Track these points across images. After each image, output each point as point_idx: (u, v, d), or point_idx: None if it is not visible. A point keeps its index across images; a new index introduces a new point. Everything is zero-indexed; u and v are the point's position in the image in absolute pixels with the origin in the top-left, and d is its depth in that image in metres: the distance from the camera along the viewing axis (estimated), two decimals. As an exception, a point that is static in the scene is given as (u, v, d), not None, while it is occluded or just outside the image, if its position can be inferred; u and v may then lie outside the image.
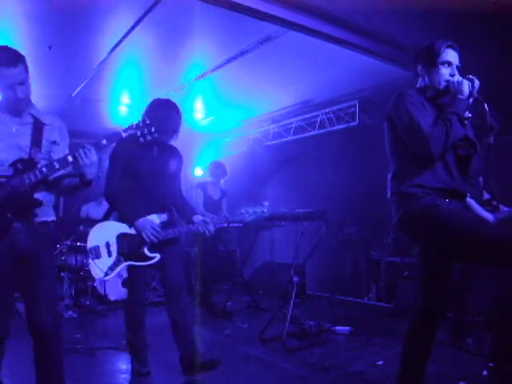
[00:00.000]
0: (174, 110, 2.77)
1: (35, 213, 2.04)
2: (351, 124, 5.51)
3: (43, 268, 2.07)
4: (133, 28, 3.55)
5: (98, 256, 2.68)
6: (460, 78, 2.03)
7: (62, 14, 3.28)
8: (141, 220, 2.65)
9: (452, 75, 2.07)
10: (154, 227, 2.65)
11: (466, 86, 2.00)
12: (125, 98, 5.43)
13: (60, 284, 4.97)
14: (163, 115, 2.66)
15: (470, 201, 3.02)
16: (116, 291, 5.05)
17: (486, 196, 3.29)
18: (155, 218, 2.71)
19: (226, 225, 4.67)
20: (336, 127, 5.76)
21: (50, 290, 2.13)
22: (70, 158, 1.97)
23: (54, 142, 2.15)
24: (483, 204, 3.15)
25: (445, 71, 2.08)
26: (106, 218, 2.92)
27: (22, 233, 1.98)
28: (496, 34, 3.49)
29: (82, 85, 4.80)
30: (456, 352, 3.16)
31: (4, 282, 1.99)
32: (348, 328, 3.88)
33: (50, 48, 3.88)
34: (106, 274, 2.69)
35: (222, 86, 5.11)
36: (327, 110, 5.83)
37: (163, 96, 2.94)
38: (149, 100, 2.83)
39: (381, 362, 3.03)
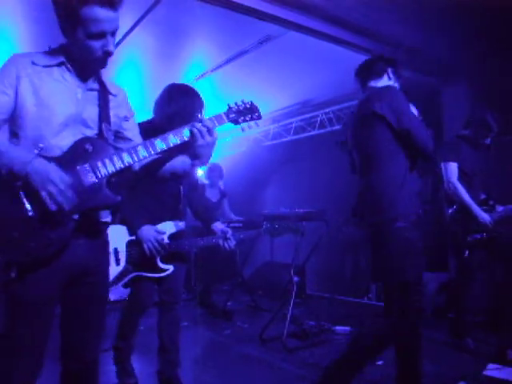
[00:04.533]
0: (198, 98, 2.32)
1: (101, 216, 1.46)
2: (351, 124, 5.51)
3: (101, 289, 1.56)
4: (133, 28, 3.55)
5: None
6: None
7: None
8: (145, 228, 2.27)
9: None
10: (159, 239, 2.28)
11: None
12: (125, 98, 5.42)
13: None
14: (189, 104, 2.26)
15: (468, 200, 3.05)
16: (116, 291, 5.02)
17: (483, 196, 3.31)
18: (171, 226, 2.38)
19: (225, 225, 4.67)
20: (336, 127, 5.76)
21: (103, 316, 1.63)
22: (160, 144, 1.41)
23: (125, 118, 1.61)
24: (480, 204, 3.18)
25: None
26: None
27: (84, 244, 1.41)
28: (496, 33, 3.48)
29: (82, 85, 4.80)
30: (456, 352, 3.15)
31: (45, 314, 1.38)
32: (348, 328, 3.88)
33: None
34: (111, 285, 2.32)
35: (222, 86, 5.10)
36: (327, 110, 5.83)
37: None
38: (148, 100, 2.80)
39: (381, 362, 3.02)
